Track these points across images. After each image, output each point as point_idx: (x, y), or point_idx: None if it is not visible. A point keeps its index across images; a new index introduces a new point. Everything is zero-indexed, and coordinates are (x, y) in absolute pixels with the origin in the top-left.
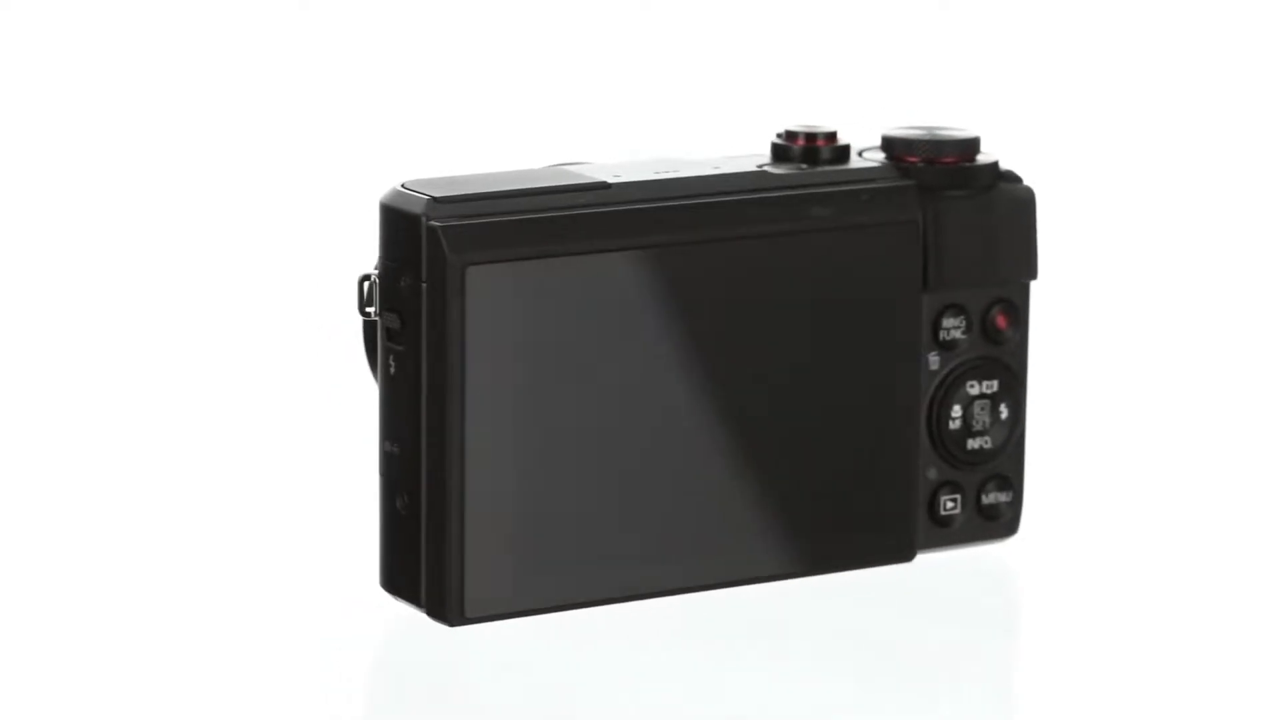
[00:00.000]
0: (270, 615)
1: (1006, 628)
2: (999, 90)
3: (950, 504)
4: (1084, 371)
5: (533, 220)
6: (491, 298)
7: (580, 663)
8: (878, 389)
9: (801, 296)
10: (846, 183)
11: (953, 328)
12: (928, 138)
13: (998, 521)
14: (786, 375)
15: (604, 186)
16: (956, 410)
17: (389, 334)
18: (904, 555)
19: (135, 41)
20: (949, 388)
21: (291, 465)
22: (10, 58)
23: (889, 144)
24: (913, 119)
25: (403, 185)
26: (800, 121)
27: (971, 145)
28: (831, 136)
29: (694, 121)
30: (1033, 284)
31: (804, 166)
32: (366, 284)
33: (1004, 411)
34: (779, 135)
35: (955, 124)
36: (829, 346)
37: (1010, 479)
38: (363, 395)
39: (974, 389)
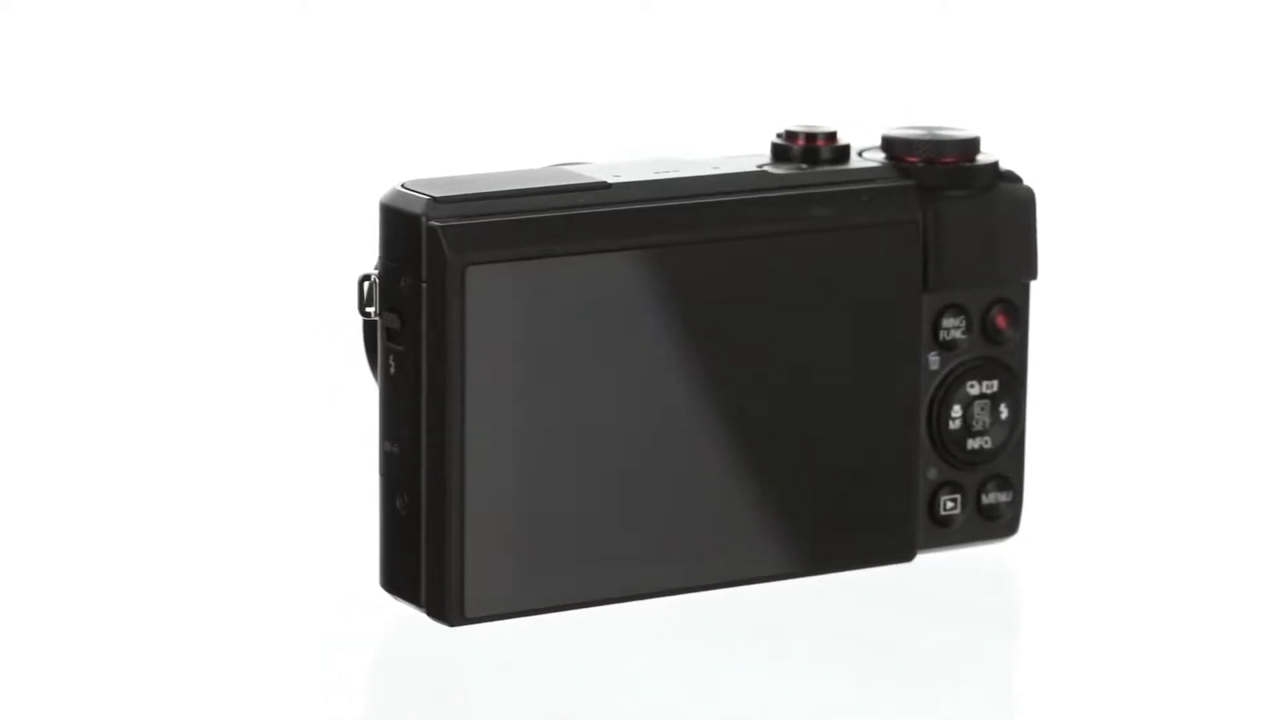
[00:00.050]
0: (270, 615)
1: (1006, 628)
2: (999, 90)
3: (950, 504)
4: (1084, 371)
5: (532, 220)
6: (491, 298)
7: (580, 663)
8: (878, 389)
9: (801, 296)
10: (846, 183)
11: (953, 328)
12: (928, 138)
13: (998, 521)
14: (786, 375)
15: (604, 186)
16: (956, 410)
17: (389, 334)
18: (904, 555)
19: (135, 41)
20: (949, 388)
21: (292, 465)
22: (10, 58)
23: (889, 144)
24: (913, 119)
25: (403, 185)
26: (800, 121)
27: (971, 145)
28: (831, 136)
29: (694, 121)
30: (1033, 284)
31: (804, 166)
32: (366, 284)
33: (1004, 411)
34: (779, 135)
35: (955, 124)
36: (829, 346)
37: (1010, 479)
38: (363, 395)
39: (974, 389)
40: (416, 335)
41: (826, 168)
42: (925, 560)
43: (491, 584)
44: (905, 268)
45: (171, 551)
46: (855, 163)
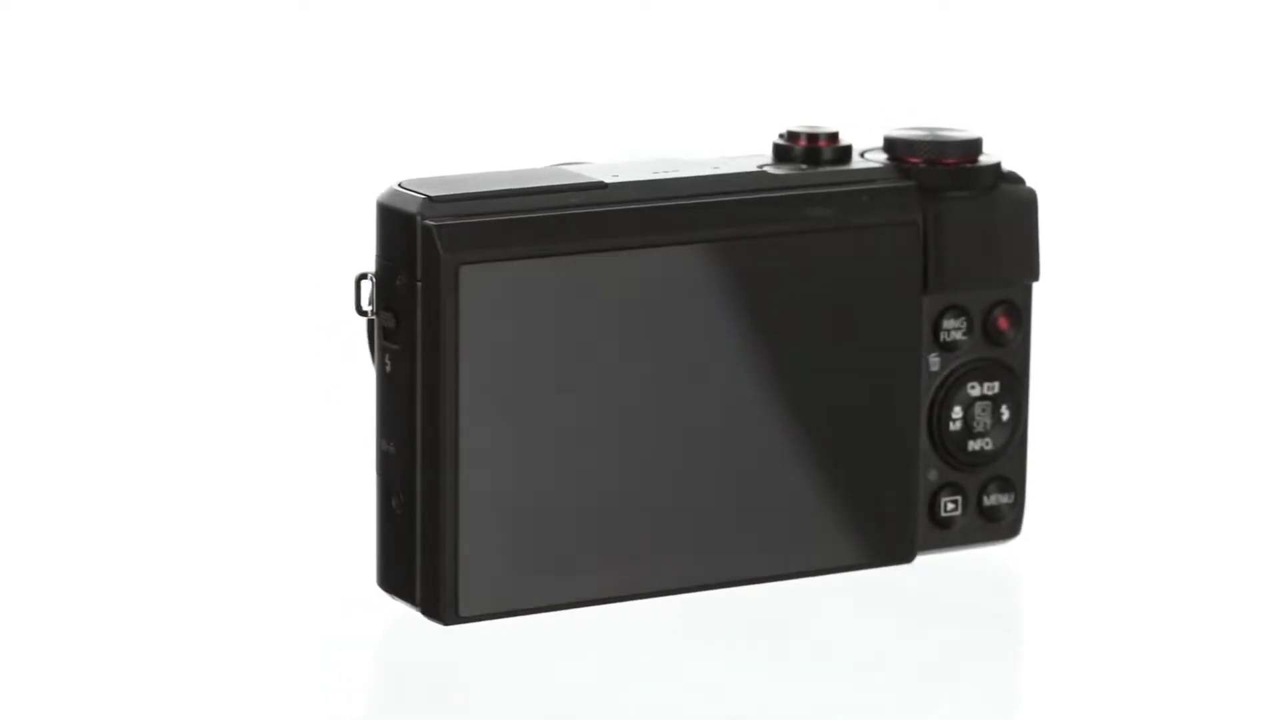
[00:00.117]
0: (267, 614)
1: (1008, 630)
2: (1001, 91)
3: (951, 505)
4: (1086, 373)
5: (527, 220)
6: (485, 297)
7: (576, 662)
8: (878, 390)
9: (801, 297)
10: (847, 183)
11: (954, 329)
12: (930, 139)
13: (999, 523)
14: (786, 376)
15: (600, 186)
16: (957, 411)
17: (385, 333)
18: (904, 556)
19: (135, 41)
20: (950, 389)
21: (290, 464)
22: (10, 58)
23: (891, 145)
24: (915, 120)
25: (400, 184)
26: (802, 122)
27: (974, 146)
28: (833, 137)
29: (696, 122)
30: (1035, 285)
31: (804, 167)
32: (363, 283)
33: (1005, 413)
34: (780, 136)
35: (957, 125)
36: (829, 347)
37: (1012, 480)
38: (362, 394)
39: (975, 390)
40: (411, 334)
41: (827, 168)
42: (926, 561)
43: (486, 583)
44: (905, 269)
45: (169, 549)
46: (856, 163)
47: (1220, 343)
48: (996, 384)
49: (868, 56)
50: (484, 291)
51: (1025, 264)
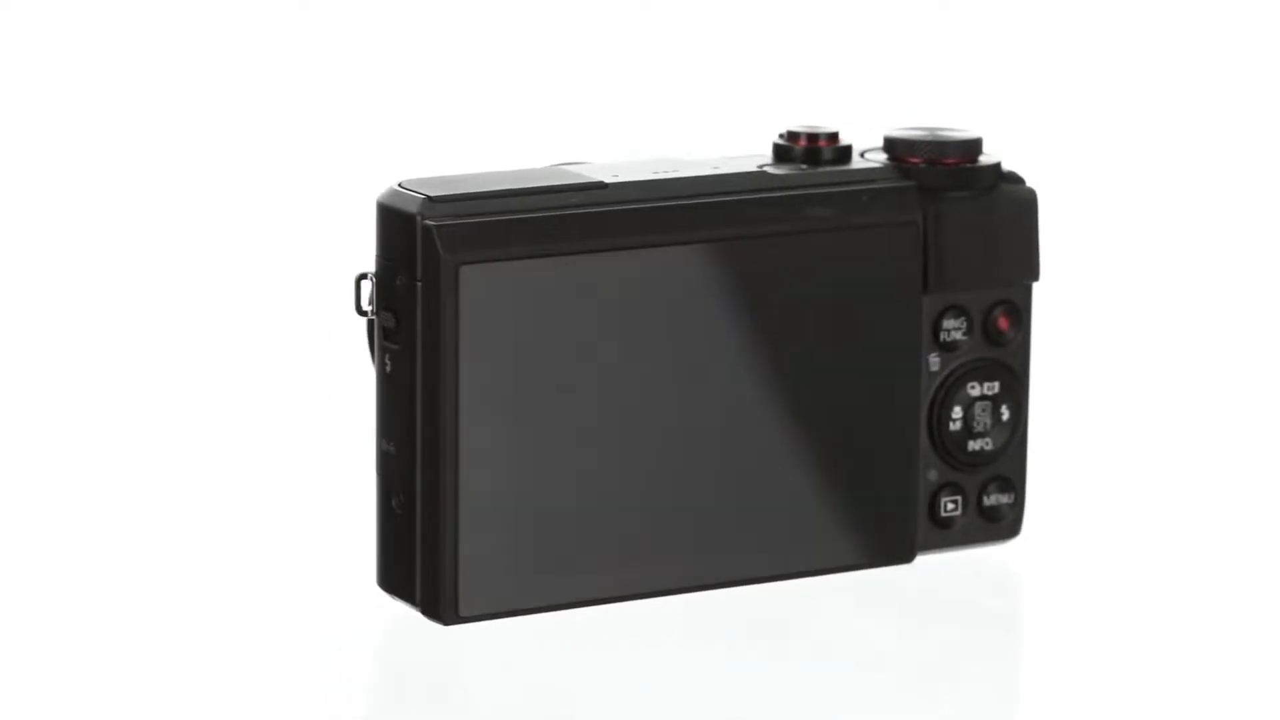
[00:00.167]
0: (268, 613)
1: (1008, 630)
2: (1002, 91)
3: (951, 505)
4: (1086, 373)
5: (527, 220)
6: (485, 297)
7: (576, 662)
8: (878, 390)
9: (801, 297)
10: (846, 183)
11: (953, 329)
12: (930, 139)
13: (999, 523)
14: (785, 376)
15: (600, 186)
16: (957, 412)
17: (385, 333)
18: (904, 556)
19: (135, 41)
20: (950, 389)
21: (291, 464)
22: (10, 58)
23: (891, 145)
24: (915, 120)
25: (400, 184)
26: (802, 122)
27: (974, 146)
28: (833, 137)
29: (696, 122)
30: (1035, 285)
31: (804, 167)
32: (363, 283)
33: (1005, 413)
34: (780, 136)
35: (957, 125)
36: (829, 347)
37: (1012, 480)
38: (362, 394)
39: (975, 390)
40: (411, 334)
41: (827, 168)
42: (926, 561)
43: (486, 583)
44: (905, 269)
45: (169, 549)
46: (856, 164)
47: (1220, 343)
48: (996, 384)
49: (868, 56)
50: (484, 291)
51: (1025, 264)
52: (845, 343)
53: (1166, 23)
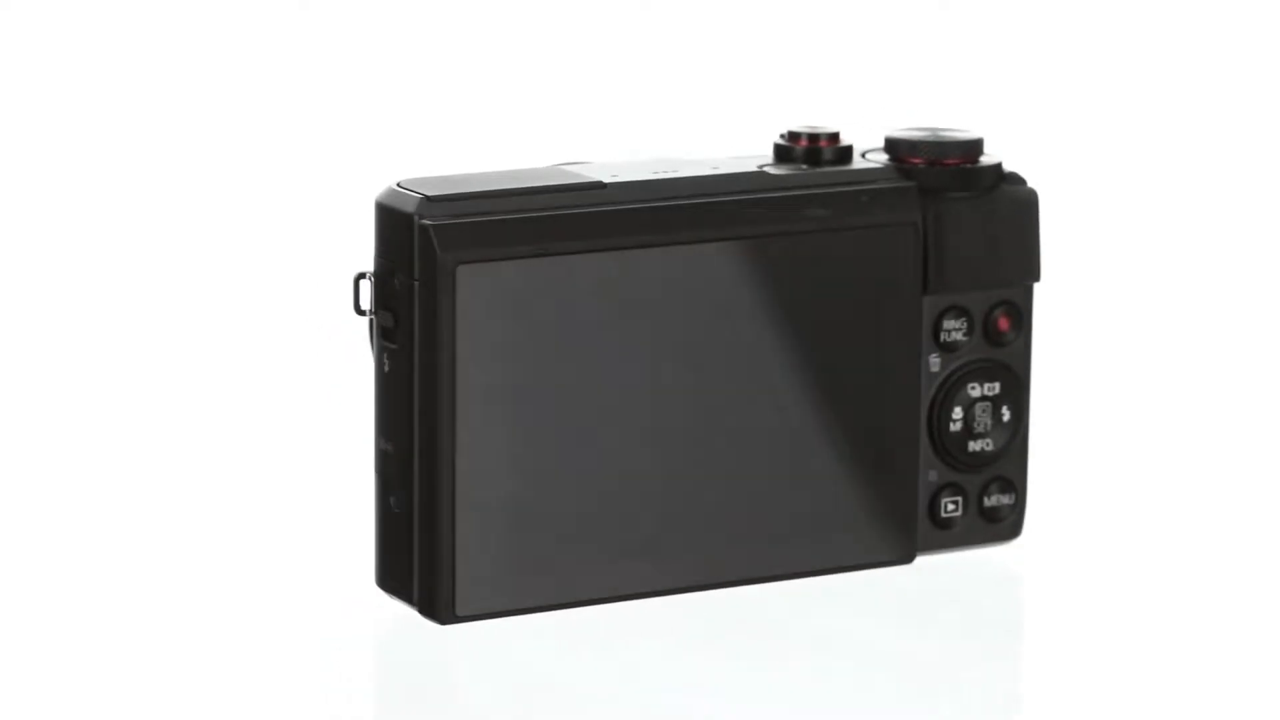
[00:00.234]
0: (266, 613)
1: (1008, 630)
2: (1002, 91)
3: (951, 506)
4: (1087, 373)
5: (525, 219)
6: (483, 297)
7: (575, 662)
8: (877, 390)
9: (800, 297)
10: (846, 184)
11: (954, 329)
12: (931, 139)
13: (1000, 524)
14: (785, 377)
15: (599, 186)
16: (958, 412)
17: (383, 332)
18: (904, 557)
19: (135, 41)
20: (950, 390)
21: (290, 464)
22: (10, 58)
23: (892, 145)
24: (916, 120)
25: (398, 184)
26: (803, 122)
27: (975, 147)
28: (834, 137)
29: (697, 122)
30: (1036, 286)
31: (805, 167)
32: (362, 282)
33: (1006, 414)
34: (781, 136)
35: (959, 125)
36: (829, 348)
37: (1013, 481)
38: (362, 394)
39: (975, 391)
40: (409, 334)
41: (827, 169)
42: (926, 562)
43: (483, 582)
44: (905, 269)
45: (168, 548)
46: (857, 164)
47: (1221, 343)
48: (997, 385)
49: (868, 57)
50: (481, 291)
51: (1026, 265)
52: (845, 343)
53: (1166, 23)
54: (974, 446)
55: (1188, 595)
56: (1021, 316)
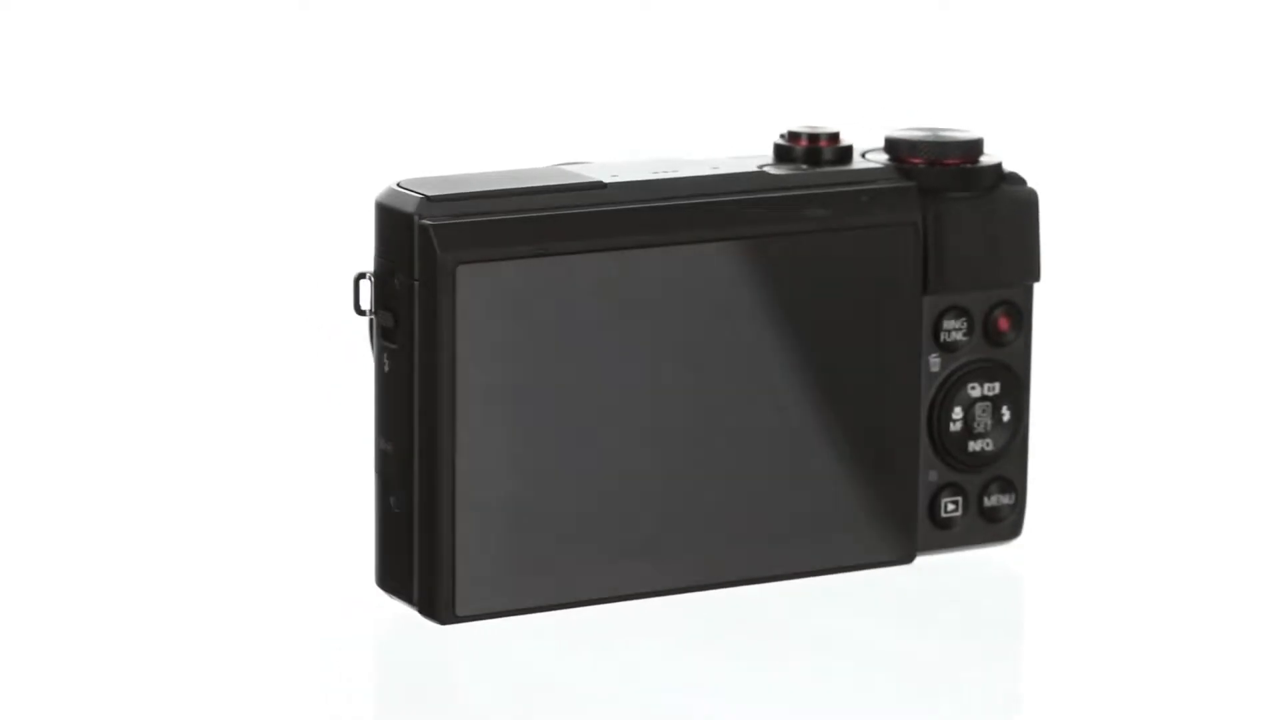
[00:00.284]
0: (266, 612)
1: (1008, 631)
2: (1002, 91)
3: (952, 506)
4: (1088, 374)
5: (525, 219)
6: (482, 296)
7: (574, 662)
8: (878, 390)
9: (801, 298)
10: (846, 184)
11: (954, 329)
12: (931, 139)
13: (1000, 524)
14: (785, 376)
15: (599, 186)
16: (958, 412)
17: (383, 332)
18: (904, 557)
19: (135, 41)
20: (950, 390)
21: (289, 463)
22: (10, 58)
23: (892, 145)
24: (916, 120)
25: (398, 184)
26: (803, 122)
27: (975, 147)
28: (834, 137)
29: (697, 122)
30: (1036, 286)
31: (805, 167)
32: (362, 282)
33: (1006, 414)
34: (781, 136)
35: (959, 125)
36: (829, 348)
37: (1013, 481)
38: (362, 393)
39: (975, 391)
40: (409, 333)
41: (827, 169)
42: (926, 562)
43: (483, 582)
44: (904, 269)
45: (168, 548)
46: (857, 164)
47: (1221, 343)
48: (997, 385)
49: (868, 57)
50: (481, 291)
51: (1026, 265)
52: (845, 343)
53: (1166, 23)
54: (974, 446)
55: (1188, 595)
56: (1021, 316)
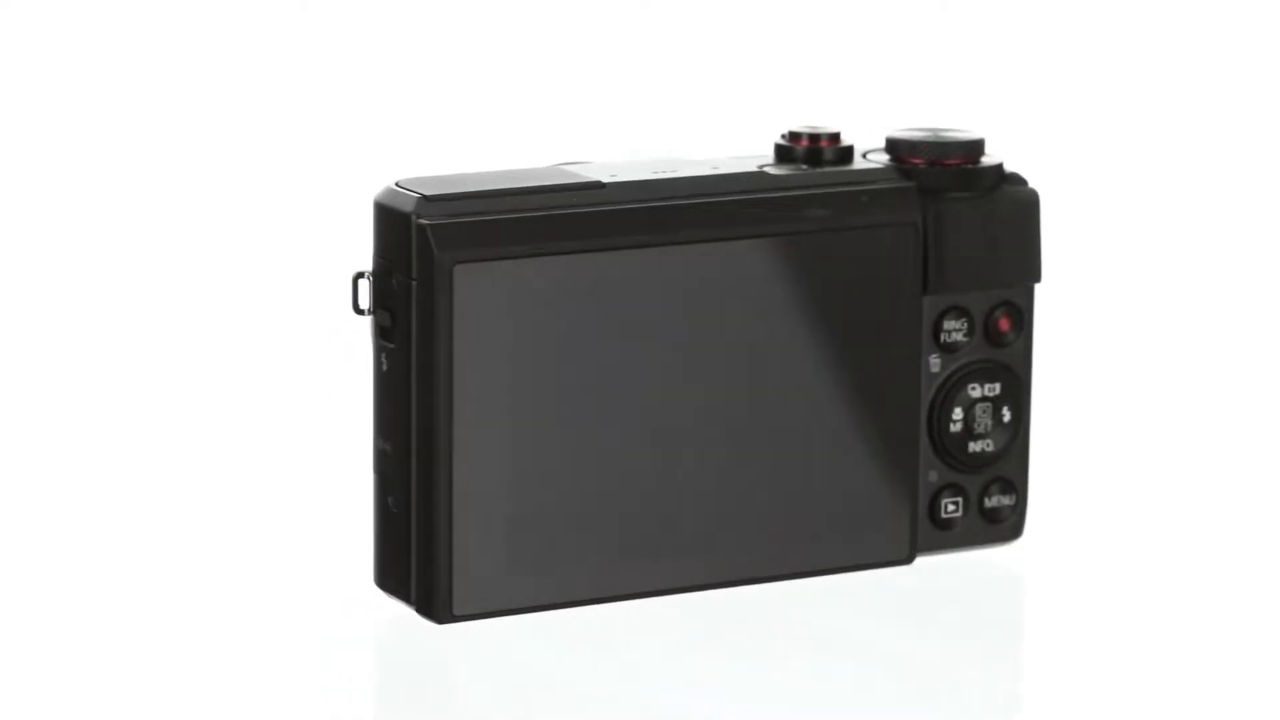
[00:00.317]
0: (265, 612)
1: (1008, 631)
2: (1002, 91)
3: (952, 507)
4: (1088, 374)
5: (523, 219)
6: (480, 296)
7: (573, 662)
8: (878, 390)
9: (799, 297)
10: (846, 184)
11: (954, 330)
12: (932, 139)
13: (1001, 525)
14: (785, 377)
15: (598, 186)
16: (958, 413)
17: (381, 331)
18: (904, 557)
19: (135, 41)
20: (950, 390)
21: (288, 463)
22: (10, 58)
23: (893, 145)
24: (917, 120)
25: (396, 183)
26: (804, 122)
27: (976, 147)
28: (835, 138)
29: (698, 122)
30: (1036, 286)
31: (805, 167)
32: (360, 281)
33: (1006, 414)
34: (782, 136)
35: (960, 126)
36: (829, 348)
37: (1014, 482)
38: (360, 393)
39: (975, 391)
40: (407, 333)
41: (828, 169)
42: (926, 563)
43: (481, 582)
44: (904, 269)
45: (167, 548)
46: (858, 164)
47: (1222, 344)
48: (997, 385)
49: (869, 57)
50: (478, 291)
51: (1027, 265)
52: (845, 343)
53: (1166, 23)
54: (974, 447)
55: (1188, 595)
56: (1022, 317)
